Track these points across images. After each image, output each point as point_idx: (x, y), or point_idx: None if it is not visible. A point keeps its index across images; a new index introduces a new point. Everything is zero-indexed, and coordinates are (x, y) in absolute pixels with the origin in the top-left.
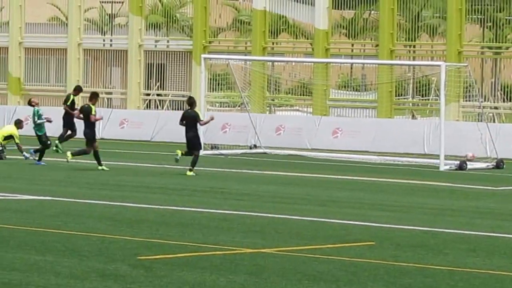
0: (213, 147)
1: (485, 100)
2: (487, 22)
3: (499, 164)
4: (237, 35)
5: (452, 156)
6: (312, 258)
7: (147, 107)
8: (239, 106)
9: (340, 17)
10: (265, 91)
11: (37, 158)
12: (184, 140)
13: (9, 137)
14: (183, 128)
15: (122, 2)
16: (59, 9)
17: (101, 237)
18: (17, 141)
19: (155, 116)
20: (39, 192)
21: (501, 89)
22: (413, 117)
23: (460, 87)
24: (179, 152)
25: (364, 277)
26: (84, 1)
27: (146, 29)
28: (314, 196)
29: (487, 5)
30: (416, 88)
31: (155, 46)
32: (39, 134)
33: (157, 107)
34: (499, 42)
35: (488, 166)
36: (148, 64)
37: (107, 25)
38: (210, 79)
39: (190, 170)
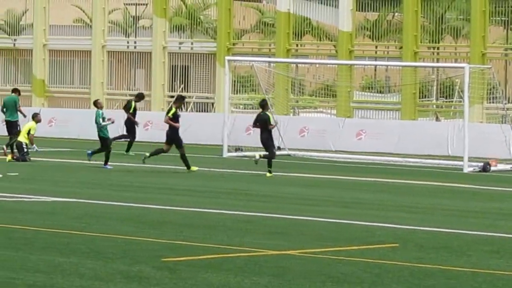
0: (237, 149)
1: (508, 102)
2: (511, 24)
3: None
4: (261, 37)
5: (476, 158)
6: (336, 260)
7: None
8: None
9: (364, 19)
10: (289, 93)
11: (91, 160)
12: (208, 142)
13: (29, 132)
14: (207, 130)
15: (146, 4)
16: (83, 11)
17: (125, 239)
18: (32, 132)
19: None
20: (63, 194)
21: None
22: (437, 119)
23: (483, 89)
24: (257, 155)
25: (388, 278)
26: (108, 3)
27: (170, 31)
28: (337, 198)
29: (511, 7)
30: (440, 90)
31: (179, 48)
32: (104, 137)
33: (182, 109)
34: None
35: None
36: (172, 66)
37: (131, 27)
38: (234, 81)
39: (269, 171)
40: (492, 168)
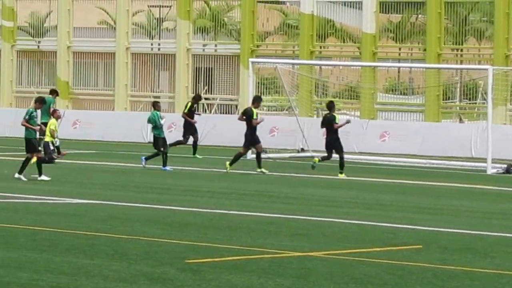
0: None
1: None
2: None
3: None
4: (284, 39)
5: (499, 159)
6: (359, 261)
7: (195, 110)
8: (286, 110)
9: (388, 21)
10: (313, 95)
11: (146, 165)
12: (232, 144)
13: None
14: (231, 132)
15: (170, 6)
16: (107, 13)
17: (149, 240)
18: (52, 127)
19: (203, 119)
20: (87, 195)
21: None
22: (460, 120)
23: (507, 90)
24: (316, 160)
25: (412, 280)
26: (132, 5)
27: (194, 33)
28: (361, 200)
29: None
30: (463, 91)
31: (203, 50)
32: (159, 137)
33: (205, 111)
34: None
35: None
36: (196, 68)
37: (155, 29)
38: (258, 83)
39: (341, 172)
40: None
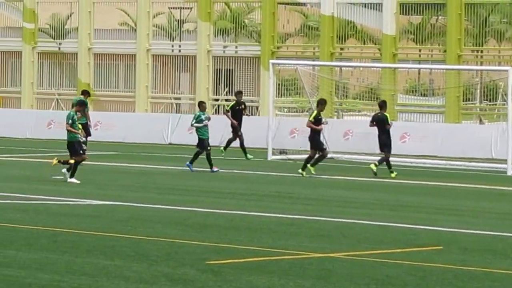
0: (282, 152)
1: None
2: None
3: None
4: (305, 41)
5: None
6: (380, 262)
7: (215, 112)
8: (307, 111)
9: (408, 23)
10: (333, 96)
11: (192, 168)
12: (253, 145)
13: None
14: (251, 133)
15: (191, 8)
16: (128, 15)
17: (170, 241)
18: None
19: (224, 121)
20: (108, 197)
21: None
22: (481, 122)
23: None
24: (374, 167)
25: (432, 281)
26: (152, 7)
27: (215, 35)
28: (382, 201)
29: None
30: (484, 93)
31: (224, 51)
32: (202, 138)
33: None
34: None
35: None
36: (217, 69)
37: (175, 30)
38: (279, 84)
39: (391, 172)
40: None
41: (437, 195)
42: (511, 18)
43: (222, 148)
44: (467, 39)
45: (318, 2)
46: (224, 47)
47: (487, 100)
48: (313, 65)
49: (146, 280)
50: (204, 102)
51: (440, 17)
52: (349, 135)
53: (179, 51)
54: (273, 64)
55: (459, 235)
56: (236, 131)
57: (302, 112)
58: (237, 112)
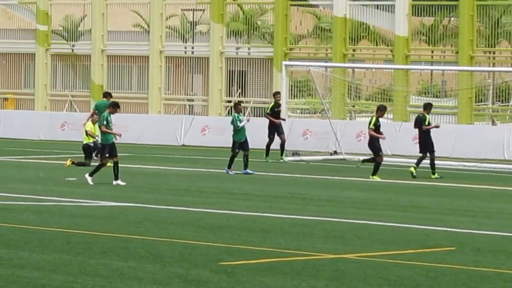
0: (294, 153)
1: None
2: None
3: None
4: (317, 42)
5: None
6: (393, 263)
7: (228, 113)
8: (319, 113)
9: (420, 24)
10: (346, 97)
11: (232, 171)
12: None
13: (87, 133)
14: (264, 135)
15: (204, 10)
16: (141, 17)
17: (183, 243)
18: (88, 129)
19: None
20: (121, 198)
21: None
22: (493, 123)
23: None
24: (413, 170)
25: (445, 282)
26: (165, 8)
27: (228, 37)
28: (394, 202)
29: None
30: (496, 94)
31: (236, 53)
32: (237, 141)
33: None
34: None
35: None
36: (230, 71)
37: (188, 32)
38: (291, 85)
39: (433, 173)
40: None
41: (450, 196)
42: None
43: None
44: (479, 40)
45: (330, 3)
46: (237, 48)
47: (499, 101)
48: (326, 67)
49: (160, 281)
50: (240, 104)
51: (452, 18)
52: (362, 136)
53: (192, 52)
54: (285, 65)
55: (472, 236)
56: (275, 132)
57: (314, 113)
58: (276, 114)
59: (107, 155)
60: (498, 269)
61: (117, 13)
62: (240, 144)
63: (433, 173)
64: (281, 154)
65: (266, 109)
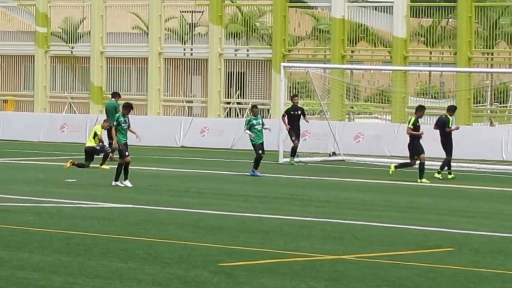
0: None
1: None
2: None
3: None
4: (316, 44)
5: None
6: (392, 264)
7: (227, 115)
8: (318, 114)
9: (418, 25)
10: (344, 99)
11: (258, 173)
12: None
13: (95, 136)
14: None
15: (202, 12)
16: (140, 19)
17: (182, 244)
18: (99, 133)
19: (236, 124)
20: (121, 200)
21: None
22: (491, 124)
23: None
24: (438, 176)
25: (443, 283)
26: (164, 10)
27: (226, 38)
28: (393, 203)
29: None
30: (494, 95)
31: (235, 54)
32: (253, 143)
33: (238, 115)
34: None
35: None
36: (228, 72)
37: (187, 34)
38: (290, 87)
39: (449, 173)
40: None
41: (449, 197)
42: None
43: (291, 159)
44: (478, 42)
45: (329, 5)
46: (236, 50)
47: (497, 102)
48: (324, 68)
49: (159, 282)
50: (257, 107)
51: (450, 20)
52: (360, 138)
53: (191, 54)
54: (284, 67)
55: (470, 237)
56: (293, 136)
57: (313, 115)
58: (292, 117)
59: (126, 153)
60: (497, 270)
61: (116, 15)
62: (260, 145)
63: (449, 173)
64: (292, 156)
65: (282, 112)
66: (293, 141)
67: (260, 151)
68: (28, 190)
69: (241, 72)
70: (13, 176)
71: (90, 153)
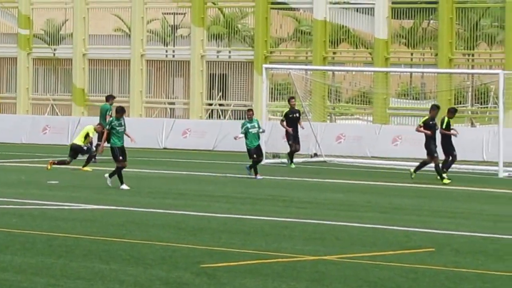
0: (275, 155)
1: None
2: None
3: None
4: (297, 45)
5: (511, 163)
6: (373, 264)
7: (209, 117)
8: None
9: (400, 27)
10: (326, 100)
11: (253, 175)
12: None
13: (86, 136)
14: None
15: (184, 14)
16: (122, 21)
17: (164, 245)
18: (91, 135)
19: (218, 125)
20: (103, 201)
21: None
22: (472, 124)
23: None
24: (446, 181)
25: (424, 283)
26: (146, 12)
27: (208, 40)
28: (375, 203)
29: None
30: (475, 96)
31: (217, 56)
32: (248, 147)
33: (219, 117)
34: None
35: None
36: (210, 74)
37: (169, 36)
38: (272, 88)
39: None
40: None
41: (430, 198)
42: (502, 22)
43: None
44: (459, 43)
45: (310, 7)
46: (218, 52)
47: (478, 103)
48: (306, 70)
49: (141, 283)
50: (251, 110)
51: (431, 21)
52: (342, 139)
53: (173, 56)
54: (266, 68)
55: (451, 237)
56: (293, 140)
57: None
58: (291, 120)
59: (120, 157)
60: (477, 270)
61: (99, 17)
62: (255, 149)
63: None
64: (291, 161)
65: (281, 115)
66: (290, 145)
67: (255, 155)
68: (11, 192)
69: (223, 74)
70: None
71: (75, 151)
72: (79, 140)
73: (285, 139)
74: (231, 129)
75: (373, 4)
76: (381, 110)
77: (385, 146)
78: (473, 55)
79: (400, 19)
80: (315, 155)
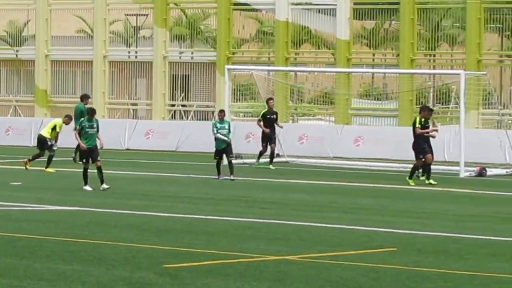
0: (237, 156)
1: (504, 108)
2: (505, 31)
3: None
4: (260, 46)
5: (472, 163)
6: (335, 264)
7: (172, 117)
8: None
9: (361, 27)
10: (288, 100)
11: (220, 177)
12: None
13: (54, 128)
14: (207, 138)
15: (147, 15)
16: (85, 22)
17: (128, 246)
18: (57, 130)
19: (180, 126)
20: (67, 202)
21: None
22: (434, 124)
23: (479, 95)
24: (431, 181)
25: (386, 282)
26: (109, 13)
27: (171, 41)
28: (338, 204)
29: (506, 14)
30: (437, 96)
31: (180, 57)
32: (217, 148)
33: (182, 118)
34: None
35: (507, 172)
36: (173, 75)
37: (132, 37)
38: (234, 89)
39: (420, 176)
40: (488, 172)
41: (392, 198)
42: (463, 23)
43: (256, 163)
44: (420, 44)
45: (273, 7)
46: (180, 53)
47: (440, 103)
48: (268, 70)
49: (104, 284)
50: (223, 111)
51: (393, 22)
52: (304, 139)
53: (136, 57)
54: (228, 69)
55: (414, 237)
56: (267, 141)
57: (257, 117)
58: (269, 121)
59: (84, 160)
60: (439, 269)
61: (61, 19)
62: (222, 151)
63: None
64: (270, 163)
65: (258, 116)
66: (263, 146)
67: (218, 157)
68: None
69: (185, 75)
70: None
71: (41, 143)
72: (46, 132)
73: (260, 140)
74: (194, 129)
75: (335, 5)
76: (343, 111)
77: (347, 146)
78: (434, 55)
79: (362, 20)
80: (277, 155)
